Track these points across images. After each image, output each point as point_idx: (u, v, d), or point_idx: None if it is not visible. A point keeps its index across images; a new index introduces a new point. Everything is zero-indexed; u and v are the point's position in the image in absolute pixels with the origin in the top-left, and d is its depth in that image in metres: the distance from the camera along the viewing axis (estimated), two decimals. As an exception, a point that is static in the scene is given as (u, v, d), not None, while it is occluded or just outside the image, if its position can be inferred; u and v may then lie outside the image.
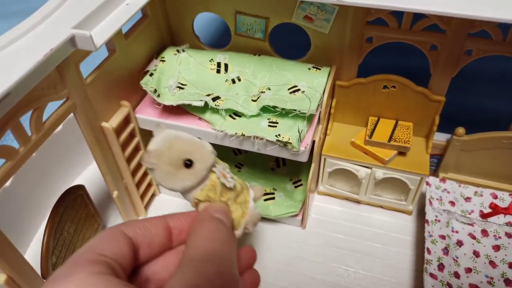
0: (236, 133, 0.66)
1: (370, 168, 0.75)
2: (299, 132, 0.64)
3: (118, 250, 0.27)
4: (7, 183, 0.73)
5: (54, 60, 0.50)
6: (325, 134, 0.79)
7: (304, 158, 0.66)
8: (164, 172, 0.45)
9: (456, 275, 0.67)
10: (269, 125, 0.67)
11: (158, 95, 0.69)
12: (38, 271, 0.58)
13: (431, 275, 0.65)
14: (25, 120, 0.50)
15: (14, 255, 0.53)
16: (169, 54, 0.74)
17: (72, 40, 0.51)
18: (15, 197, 0.74)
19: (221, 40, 1.23)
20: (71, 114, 0.59)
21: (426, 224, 0.72)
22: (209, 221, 0.31)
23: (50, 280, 0.24)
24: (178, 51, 0.74)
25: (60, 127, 0.83)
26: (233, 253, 0.29)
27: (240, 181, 0.47)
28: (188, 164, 0.48)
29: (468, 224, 0.74)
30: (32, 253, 0.76)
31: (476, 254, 0.70)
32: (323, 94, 0.71)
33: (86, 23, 0.54)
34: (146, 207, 0.85)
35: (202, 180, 0.45)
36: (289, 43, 0.91)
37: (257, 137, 0.65)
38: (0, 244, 0.50)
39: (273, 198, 0.81)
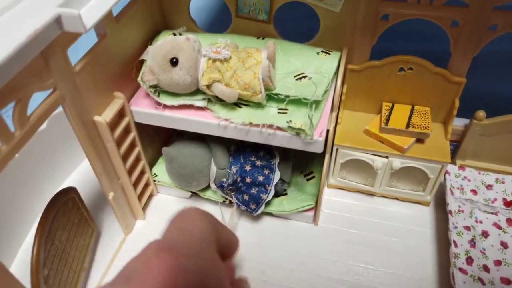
0: (243, 121, 0.60)
1: (387, 157, 0.70)
2: (309, 118, 0.58)
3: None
4: (-12, 188, 0.66)
5: (38, 44, 0.43)
6: (336, 123, 0.74)
7: (319, 149, 0.60)
8: (165, 82, 0.53)
9: (486, 268, 0.62)
10: (278, 112, 0.61)
11: (158, 95, 0.62)
12: (28, 285, 0.51)
13: (461, 270, 0.60)
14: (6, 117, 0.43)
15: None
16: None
17: (58, 21, 0.44)
18: (-2, 203, 0.67)
19: (219, 24, 1.15)
20: (58, 108, 0.52)
21: (449, 216, 0.67)
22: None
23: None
24: (174, 34, 0.67)
25: (44, 125, 0.76)
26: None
27: (247, 48, 0.54)
28: (174, 62, 0.54)
29: (492, 213, 0.69)
30: (19, 265, 0.69)
31: (504, 245, 0.65)
32: (336, 79, 0.65)
33: (73, 1, 0.47)
34: (144, 208, 0.78)
35: (195, 69, 0.52)
36: (294, 25, 0.85)
37: (266, 125, 0.59)
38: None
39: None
